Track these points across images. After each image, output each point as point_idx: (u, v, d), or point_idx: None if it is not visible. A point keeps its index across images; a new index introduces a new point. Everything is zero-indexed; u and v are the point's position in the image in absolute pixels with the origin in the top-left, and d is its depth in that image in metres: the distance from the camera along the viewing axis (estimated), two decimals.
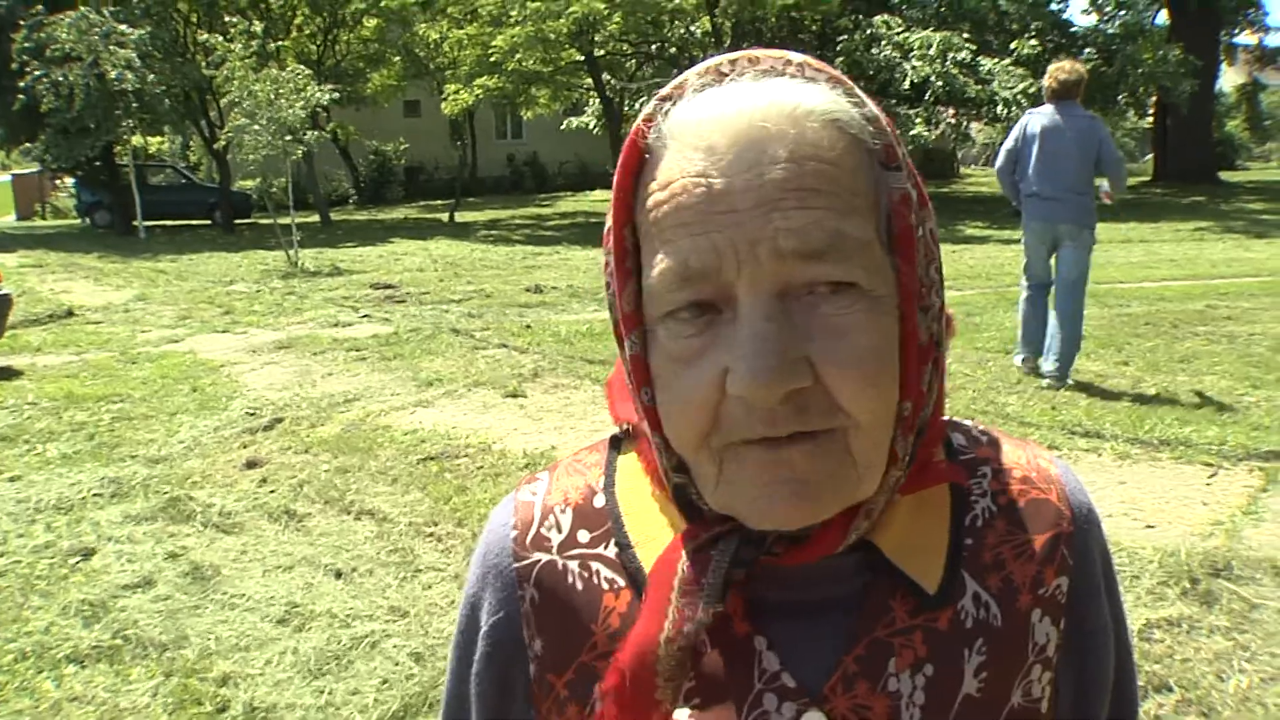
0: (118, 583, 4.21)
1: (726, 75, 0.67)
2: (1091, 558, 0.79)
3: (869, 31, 24.51)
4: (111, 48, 19.70)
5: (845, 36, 25.39)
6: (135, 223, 24.56)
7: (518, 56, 24.36)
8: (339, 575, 4.26)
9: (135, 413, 7.04)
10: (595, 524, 0.79)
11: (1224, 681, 3.05)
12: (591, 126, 31.19)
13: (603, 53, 26.83)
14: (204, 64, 18.40)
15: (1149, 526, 4.13)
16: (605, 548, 0.77)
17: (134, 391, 7.70)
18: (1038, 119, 6.72)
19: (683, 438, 0.66)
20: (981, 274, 13.73)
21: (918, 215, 0.67)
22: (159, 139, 35.62)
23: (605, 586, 0.76)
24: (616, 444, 0.83)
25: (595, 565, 0.77)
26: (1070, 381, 6.69)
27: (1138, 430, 5.35)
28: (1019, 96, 22.71)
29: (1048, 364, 6.74)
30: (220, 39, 16.83)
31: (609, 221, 0.69)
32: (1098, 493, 4.54)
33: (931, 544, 0.74)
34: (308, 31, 30.27)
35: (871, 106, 0.67)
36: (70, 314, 11.91)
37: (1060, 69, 6.87)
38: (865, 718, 0.70)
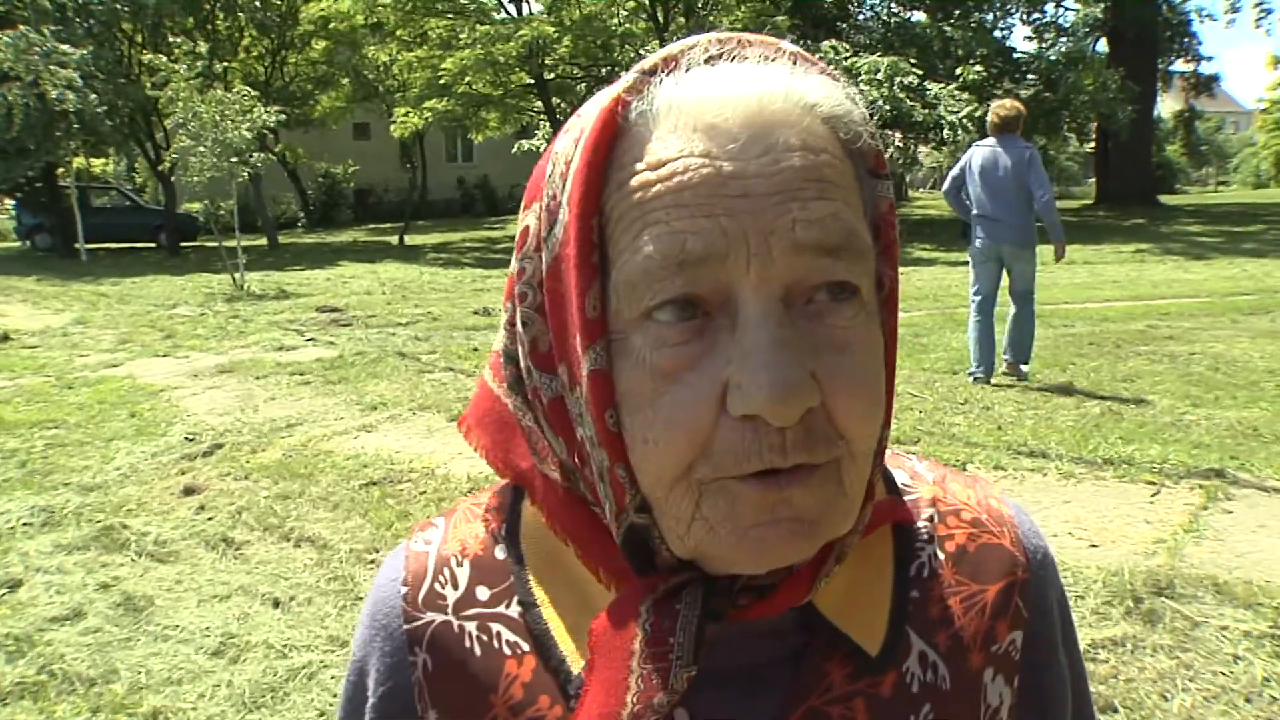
0: (45, 615, 4.07)
1: (724, 54, 0.58)
2: (1047, 607, 0.73)
3: (818, 55, 24.76)
4: (52, 68, 19.38)
5: None
6: (77, 245, 24.13)
7: (467, 79, 24.34)
8: (277, 604, 4.16)
9: (70, 439, 6.87)
10: (496, 579, 0.69)
11: (1168, 701, 3.05)
12: (542, 149, 31.20)
13: (553, 76, 26.91)
14: (149, 85, 18.11)
15: (1093, 545, 4.14)
16: (507, 606, 0.68)
17: (69, 417, 7.51)
18: (979, 151, 7.31)
19: (662, 468, 0.55)
20: (929, 295, 13.86)
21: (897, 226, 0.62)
22: (103, 160, 35.11)
23: (507, 651, 0.66)
24: (516, 488, 0.72)
25: (495, 627, 0.67)
26: (1025, 371, 7.50)
27: (1082, 450, 5.39)
28: (964, 120, 23.07)
29: (1007, 355, 7.56)
30: (165, 60, 16.65)
31: (562, 213, 0.58)
32: (1043, 513, 4.56)
33: (873, 598, 0.67)
34: (255, 53, 30.08)
35: (863, 108, 0.60)
36: (5, 338, 11.63)
37: (1001, 106, 7.41)
38: None
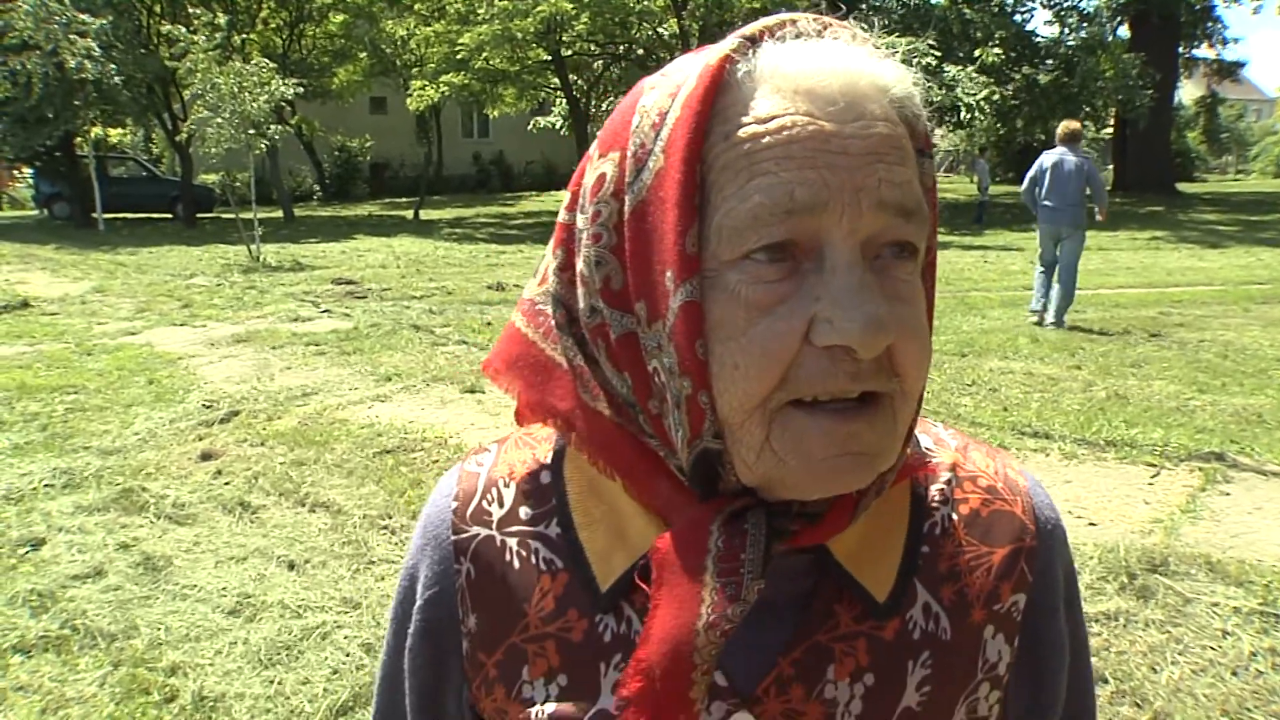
0: (67, 573, 4.18)
1: (818, 32, 0.65)
2: (1053, 575, 0.77)
3: None
4: (71, 37, 19.42)
5: None
6: (95, 214, 24.24)
7: (484, 54, 24.31)
8: (292, 567, 4.26)
9: (90, 404, 6.98)
10: (539, 501, 0.75)
11: (1157, 673, 3.13)
12: (558, 126, 31.17)
13: (570, 53, 26.84)
14: (167, 55, 18.13)
15: (1091, 524, 4.21)
16: (547, 527, 0.74)
17: (89, 383, 7.63)
18: (1050, 156, 9.71)
19: (747, 393, 0.60)
20: (942, 279, 13.86)
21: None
22: (121, 130, 35.20)
23: (543, 568, 0.73)
24: None
25: (535, 544, 0.73)
26: (1066, 323, 9.62)
27: (1085, 431, 5.45)
28: (981, 103, 22.98)
29: (1050, 316, 9.71)
30: (183, 30, 16.68)
31: (654, 161, 0.63)
32: None
33: (886, 549, 0.72)
34: (273, 25, 30.06)
35: (922, 92, 0.66)
36: (26, 305, 11.76)
37: (1068, 124, 10.04)
38: None
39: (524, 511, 0.75)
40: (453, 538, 0.76)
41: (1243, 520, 4.16)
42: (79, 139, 24.49)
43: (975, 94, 22.88)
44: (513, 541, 0.74)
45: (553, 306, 0.72)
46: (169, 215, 27.99)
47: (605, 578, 0.71)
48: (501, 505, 0.76)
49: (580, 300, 0.69)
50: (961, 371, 7.47)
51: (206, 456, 5.66)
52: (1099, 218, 10.22)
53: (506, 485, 0.77)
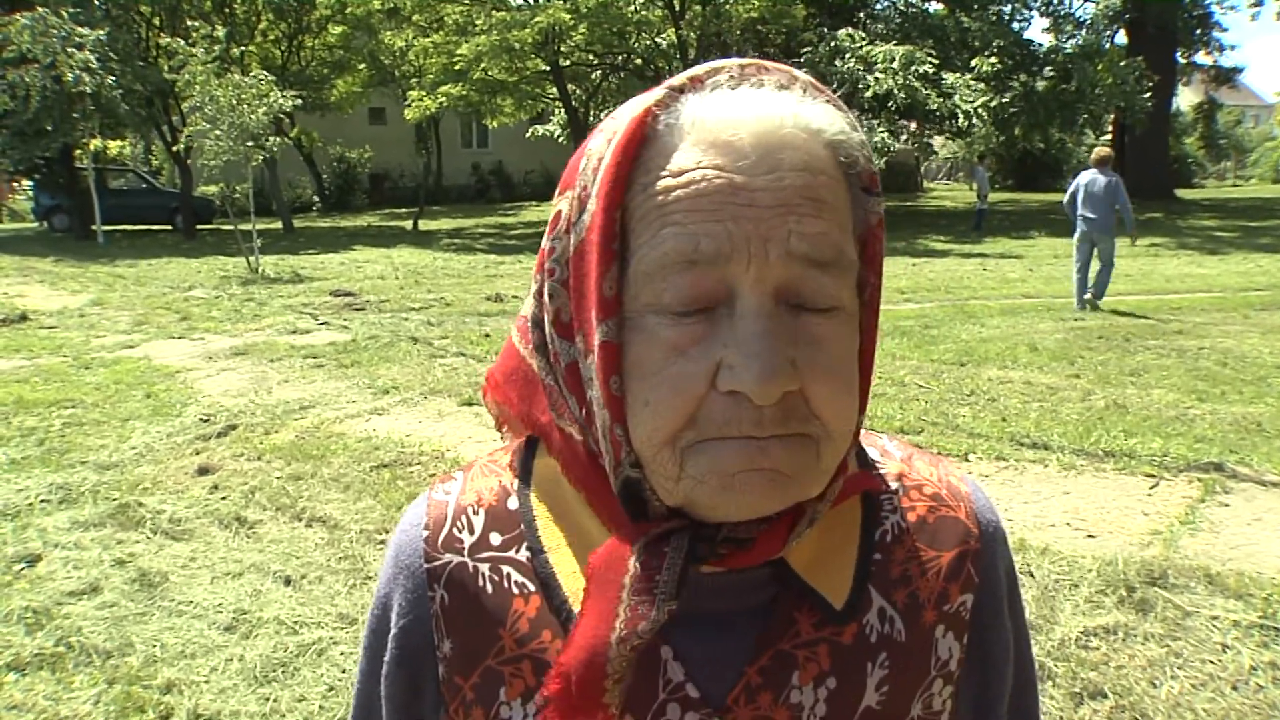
0: (63, 589, 4.17)
1: (746, 79, 0.67)
2: (996, 575, 0.82)
3: (833, 44, 24.73)
4: (69, 50, 19.46)
5: (810, 49, 25.61)
6: (94, 227, 24.26)
7: (482, 65, 24.35)
8: (288, 582, 4.25)
9: (87, 418, 6.97)
10: (507, 527, 0.77)
11: (1156, 688, 3.12)
12: (557, 136, 31.23)
13: (568, 63, 26.88)
14: (166, 68, 18.15)
15: (1090, 536, 4.20)
16: (517, 551, 0.76)
17: (86, 397, 7.62)
18: (1085, 176, 11.70)
19: (657, 429, 0.64)
20: (941, 287, 13.88)
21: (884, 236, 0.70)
22: (120, 142, 35.26)
23: (515, 591, 0.75)
24: (532, 446, 0.81)
25: (506, 569, 0.76)
26: (1100, 304, 11.54)
27: (1084, 442, 5.44)
28: (979, 110, 23.00)
29: (1090, 295, 11.62)
30: (182, 43, 16.71)
31: (591, 204, 0.66)
32: (1042, 503, 4.62)
33: (840, 558, 0.75)
34: (272, 37, 30.13)
35: (861, 133, 0.68)
36: (24, 318, 11.74)
37: (1101, 148, 12.23)
38: None
39: (494, 537, 0.77)
40: (425, 565, 0.77)
41: (1242, 531, 4.15)
42: (78, 151, 24.52)
43: (973, 101, 22.91)
44: (485, 567, 0.76)
45: (532, 326, 0.76)
46: (168, 227, 28.00)
47: (576, 598, 0.73)
48: (472, 532, 0.78)
49: (545, 324, 0.73)
50: (960, 381, 7.46)
51: (203, 471, 5.65)
52: (1131, 239, 12.58)
53: (475, 512, 0.79)
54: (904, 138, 25.28)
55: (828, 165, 0.64)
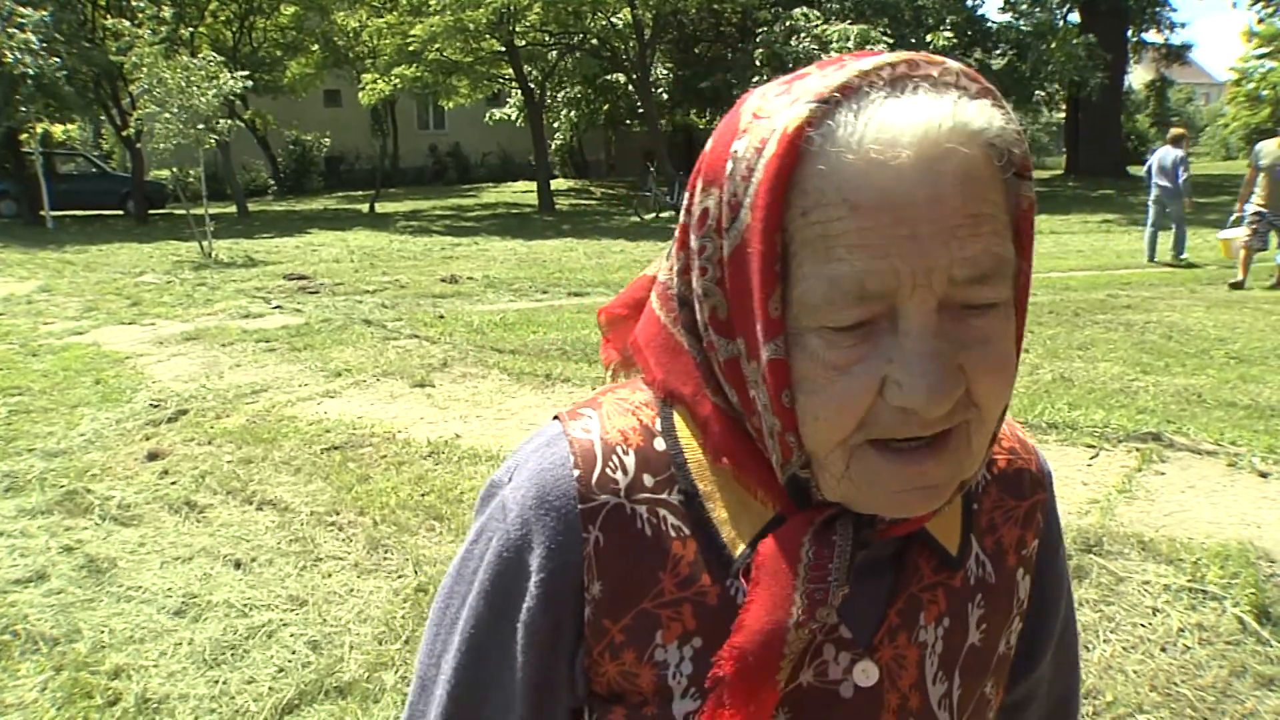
0: (8, 577, 4.14)
1: (898, 83, 0.65)
2: (1056, 521, 0.91)
3: (788, 24, 24.74)
4: (10, 30, 19.05)
5: (765, 29, 25.62)
6: (42, 212, 23.83)
7: (437, 46, 24.14)
8: (238, 565, 4.24)
9: (34, 406, 6.89)
10: (658, 469, 0.77)
11: (1089, 652, 3.19)
12: (514, 117, 31.04)
13: (523, 43, 26.70)
14: (113, 49, 17.83)
15: None
16: (669, 494, 0.77)
17: (34, 384, 7.53)
18: (1161, 150, 14.08)
19: (827, 438, 0.67)
20: None
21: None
22: (69, 126, 34.62)
23: (673, 534, 0.76)
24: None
25: (663, 512, 0.76)
26: (1185, 257, 13.84)
27: (1029, 415, 5.52)
28: None
29: (1170, 254, 13.87)
30: (128, 24, 16.43)
31: (744, 214, 0.67)
32: None
33: (952, 510, 0.81)
34: (223, 17, 29.62)
35: (1015, 118, 0.68)
36: None
37: (1174, 129, 14.58)
38: (902, 665, 0.78)
39: (647, 479, 0.77)
40: (580, 506, 0.76)
41: (1176, 499, 4.24)
42: (24, 135, 24.04)
43: None
44: (642, 509, 0.76)
45: (679, 304, 0.78)
46: (120, 212, 27.58)
47: (734, 544, 0.76)
48: (625, 473, 0.77)
49: (697, 313, 0.75)
50: None
51: (153, 456, 5.61)
52: (1188, 205, 13.97)
53: (626, 453, 0.78)
54: None
55: (986, 168, 0.65)
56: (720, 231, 0.70)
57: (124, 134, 22.98)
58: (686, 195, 0.75)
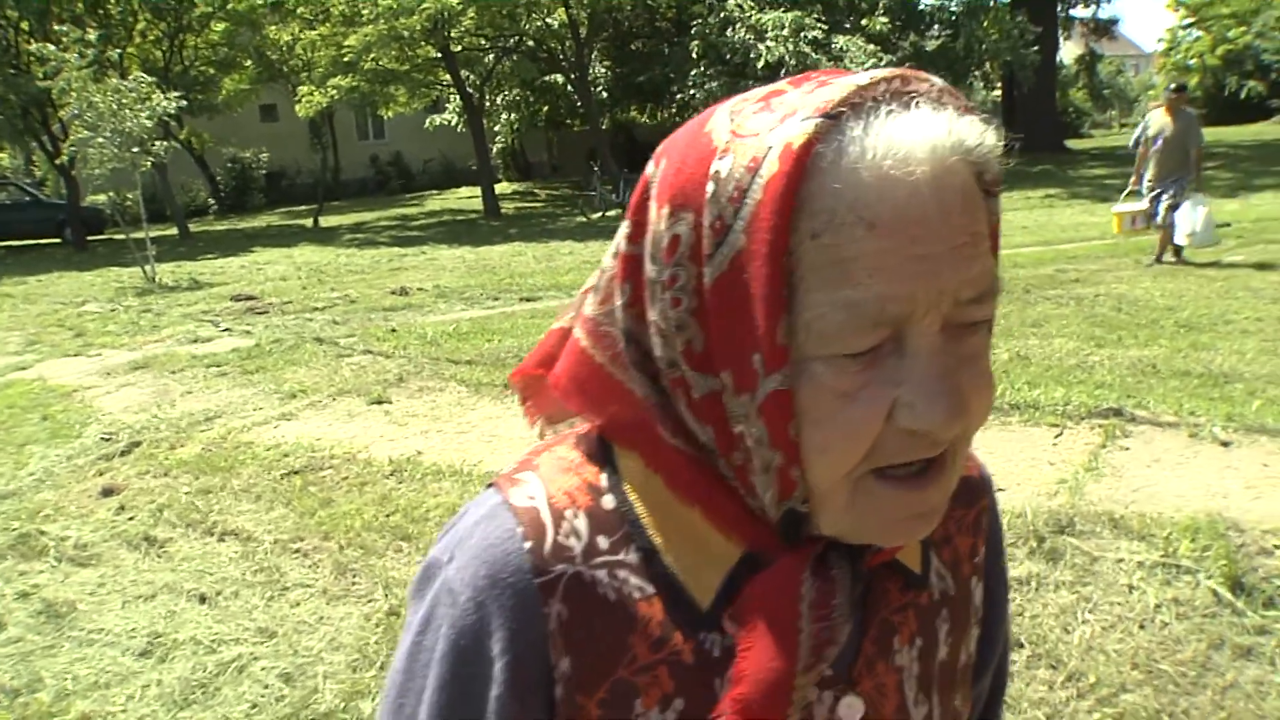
0: None
1: (899, 98, 0.63)
2: (998, 524, 0.90)
3: (723, 15, 24.79)
4: None
5: (700, 21, 25.65)
6: None
7: (372, 55, 23.92)
8: (203, 600, 4.15)
9: None
10: (611, 528, 0.73)
11: (1069, 633, 3.21)
12: (454, 123, 30.84)
13: (459, 48, 26.50)
14: (40, 75, 17.42)
15: (1000, 490, 4.26)
16: (626, 554, 0.72)
17: None
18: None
19: (834, 470, 0.64)
20: None
21: None
22: None
23: (637, 595, 0.71)
24: (605, 441, 0.76)
25: (622, 574, 0.72)
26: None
27: None
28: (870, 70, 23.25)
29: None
30: (52, 48, 16.08)
31: (735, 238, 0.62)
32: None
33: None
34: (151, 37, 29.10)
35: (994, 136, 0.66)
36: None
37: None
38: (883, 693, 0.76)
39: (601, 541, 0.72)
40: (536, 580, 0.70)
41: (1142, 474, 4.28)
42: None
43: (864, 63, 23.16)
44: (601, 574, 0.72)
45: (624, 341, 0.72)
46: (58, 240, 27.03)
47: (702, 595, 0.72)
48: (579, 538, 0.72)
49: (657, 348, 0.69)
50: None
51: (108, 492, 5.48)
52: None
53: (576, 515, 0.73)
54: None
55: (975, 186, 0.64)
56: (699, 259, 0.65)
57: (57, 161, 22.47)
58: (628, 222, 0.71)
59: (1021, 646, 3.18)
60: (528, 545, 0.71)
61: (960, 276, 0.61)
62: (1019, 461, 4.58)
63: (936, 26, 28.71)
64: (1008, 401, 5.36)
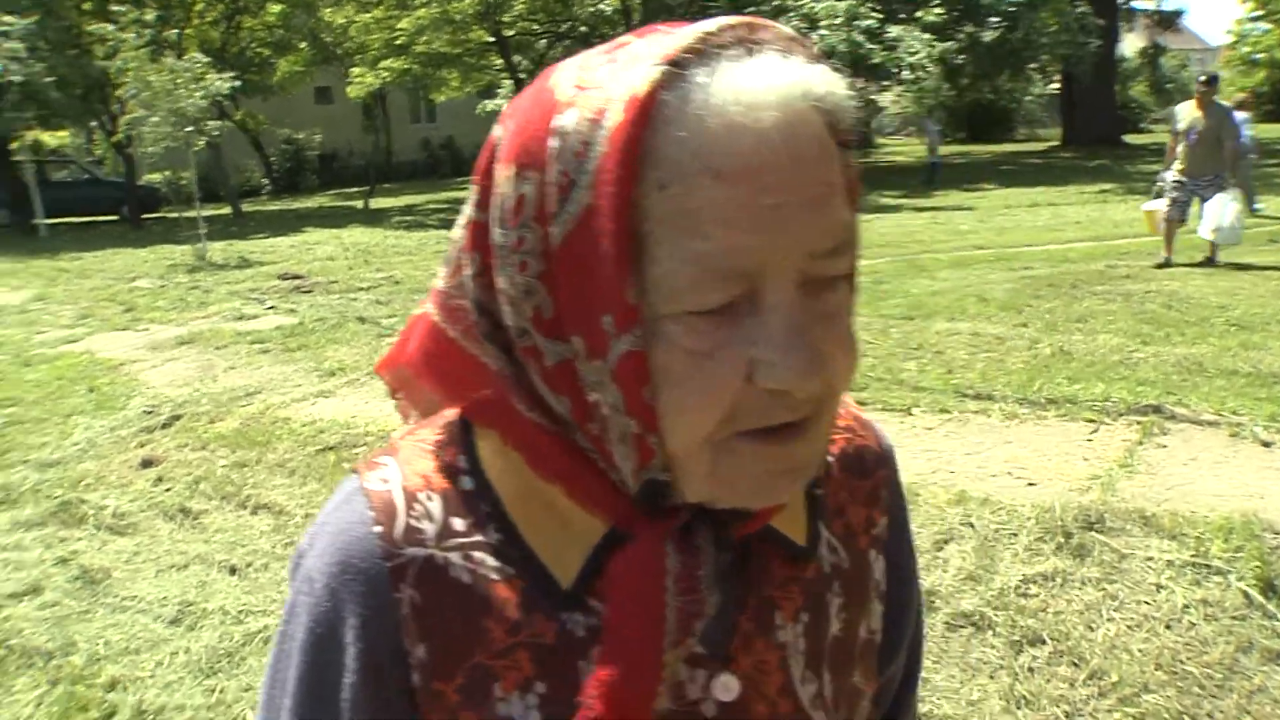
0: (3, 591, 4.11)
1: (746, 45, 0.60)
2: (900, 494, 0.86)
3: (776, 2, 24.62)
4: None
5: (754, 7, 25.49)
6: (35, 220, 23.75)
7: (424, 38, 24.08)
8: (234, 571, 4.21)
9: (28, 416, 6.86)
10: (468, 510, 0.70)
11: (1093, 631, 3.16)
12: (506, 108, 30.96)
13: (512, 33, 26.59)
14: (100, 55, 17.73)
15: (1030, 484, 4.23)
16: (485, 535, 0.70)
17: (27, 395, 7.50)
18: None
19: (693, 433, 0.61)
20: (893, 242, 13.90)
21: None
22: (61, 134, 34.56)
23: (494, 577, 0.69)
24: (466, 423, 0.74)
25: (480, 555, 0.69)
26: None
27: (1028, 391, 5.48)
28: (924, 61, 23.02)
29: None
30: (111, 28, 16.35)
31: (580, 194, 0.60)
32: (985, 453, 4.65)
33: (796, 499, 0.77)
34: (209, 18, 29.51)
35: (848, 85, 0.64)
36: None
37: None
38: (764, 671, 0.73)
39: (457, 523, 0.70)
40: (387, 565, 0.68)
41: (1178, 472, 4.20)
42: (15, 144, 23.97)
43: (918, 53, 22.91)
44: (455, 556, 0.69)
45: (475, 312, 0.69)
46: (114, 218, 27.51)
47: (564, 575, 0.69)
48: (432, 520, 0.70)
49: (507, 317, 0.66)
50: (908, 335, 7.49)
51: (147, 464, 5.58)
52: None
53: (430, 498, 0.71)
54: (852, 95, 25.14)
55: (828, 135, 0.61)
56: (545, 219, 0.62)
57: (114, 139, 22.83)
58: (475, 188, 0.68)
59: (1043, 643, 3.14)
60: (378, 530, 0.69)
61: (814, 227, 0.59)
62: (1052, 456, 4.51)
63: (995, 18, 28.29)
64: (1045, 396, 5.29)
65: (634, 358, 0.60)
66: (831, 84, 0.62)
